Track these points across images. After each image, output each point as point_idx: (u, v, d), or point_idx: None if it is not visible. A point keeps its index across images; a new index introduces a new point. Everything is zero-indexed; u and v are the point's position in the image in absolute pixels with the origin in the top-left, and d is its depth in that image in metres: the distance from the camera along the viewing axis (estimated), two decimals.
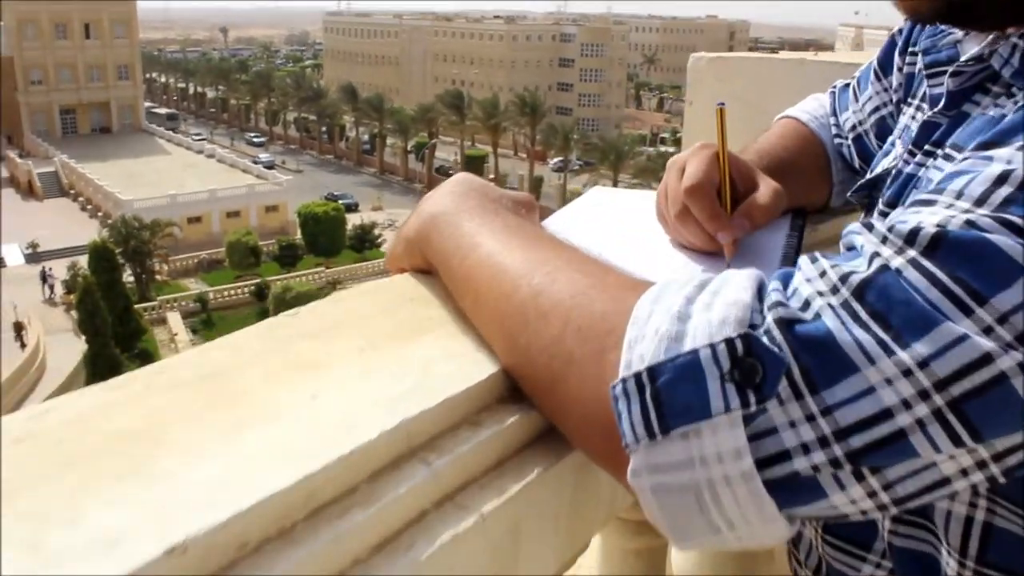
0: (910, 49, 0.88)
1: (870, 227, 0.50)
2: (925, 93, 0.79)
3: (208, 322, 27.03)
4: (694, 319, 0.48)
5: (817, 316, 0.46)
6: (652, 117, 66.86)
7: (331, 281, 29.23)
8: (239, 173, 41.47)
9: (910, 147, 0.73)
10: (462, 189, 0.73)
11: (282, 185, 38.98)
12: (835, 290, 0.47)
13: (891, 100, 0.95)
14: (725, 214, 0.78)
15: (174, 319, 26.74)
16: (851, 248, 0.51)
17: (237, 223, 35.31)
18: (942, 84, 0.72)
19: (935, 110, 0.70)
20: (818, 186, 1.03)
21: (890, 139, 0.88)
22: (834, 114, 1.05)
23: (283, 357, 0.56)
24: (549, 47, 66.89)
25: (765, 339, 0.46)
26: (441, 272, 0.69)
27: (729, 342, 0.46)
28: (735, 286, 0.50)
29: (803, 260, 0.51)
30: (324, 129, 55.20)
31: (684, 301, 0.49)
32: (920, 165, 0.70)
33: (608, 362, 0.50)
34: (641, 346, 0.49)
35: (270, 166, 45.53)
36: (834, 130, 1.04)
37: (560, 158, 44.50)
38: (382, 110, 49.68)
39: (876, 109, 0.98)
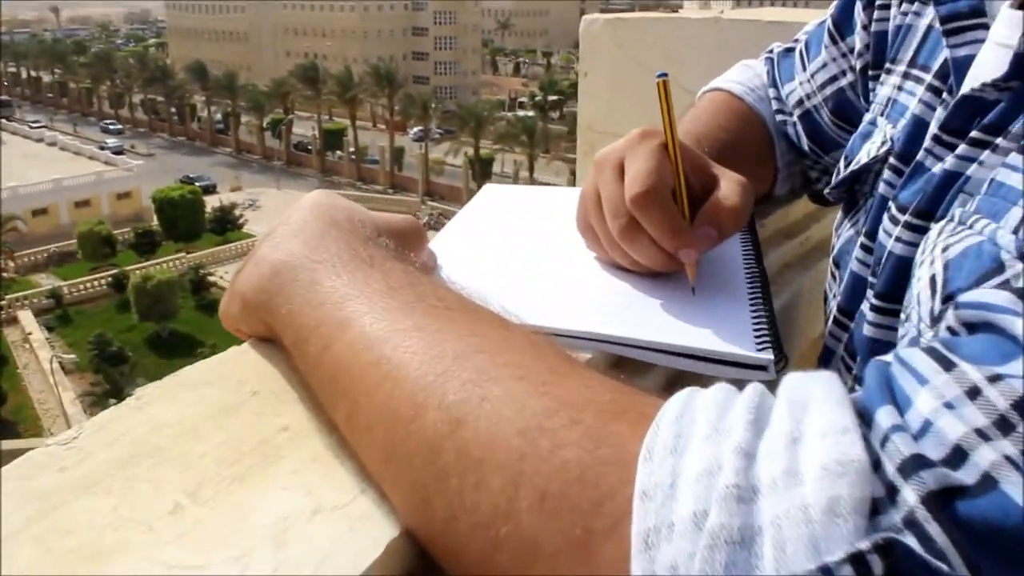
0: (879, 2, 0.70)
1: None
2: (934, 56, 0.61)
3: (65, 318, 25.50)
4: (768, 502, 0.28)
5: (989, 482, 0.26)
6: (509, 82, 66.78)
7: (193, 266, 27.74)
8: (85, 160, 38.87)
9: (937, 133, 0.55)
10: (319, 221, 0.50)
11: (133, 170, 36.73)
12: (1007, 426, 0.27)
13: (851, 67, 0.77)
14: (688, 225, 0.60)
15: (26, 317, 24.95)
16: (982, 326, 0.33)
17: (87, 213, 33.20)
18: (969, 45, 0.56)
19: (992, 80, 0.50)
20: (762, 173, 0.84)
21: (867, 117, 0.70)
22: (774, 85, 0.87)
23: (39, 544, 0.34)
24: (402, 16, 65.57)
25: (913, 541, 0.26)
26: (295, 359, 0.47)
27: (857, 560, 0.26)
28: (826, 423, 0.29)
29: (919, 357, 0.32)
30: (174, 110, 52.43)
31: (737, 456, 0.29)
32: (966, 159, 0.50)
33: (602, 563, 0.30)
34: (669, 550, 0.29)
35: (119, 151, 42.97)
36: (775, 104, 0.86)
37: (420, 127, 43.88)
38: (234, 88, 47.62)
39: (832, 79, 0.79)
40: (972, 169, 0.50)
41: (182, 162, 44.71)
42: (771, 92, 0.88)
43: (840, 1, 0.78)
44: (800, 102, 0.84)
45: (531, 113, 42.00)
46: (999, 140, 0.48)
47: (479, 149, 39.20)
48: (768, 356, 0.52)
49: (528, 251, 0.69)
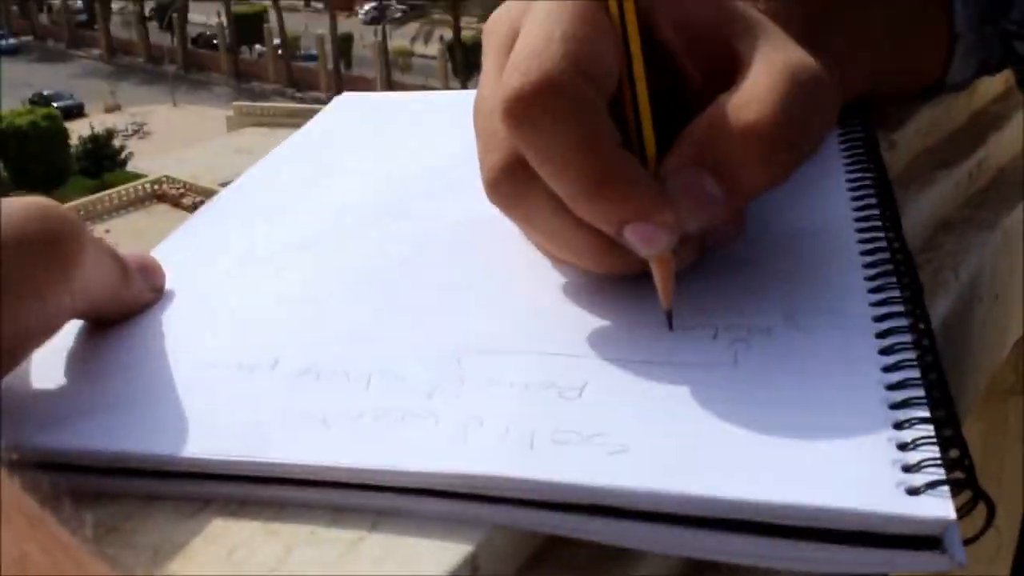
0: None
1: None
2: None
3: None
4: None
5: None
6: None
7: None
8: None
9: None
10: None
11: None
12: None
13: None
14: (641, 167, 0.38)
15: None
16: None
17: None
18: None
19: None
20: (921, 43, 0.61)
21: None
22: None
23: None
24: None
25: None
26: None
27: None
28: None
29: None
30: None
31: None
32: None
33: None
34: None
35: None
36: None
37: (374, 4, 41.73)
38: None
39: None
40: None
41: (31, 73, 41.92)
42: None
43: None
44: None
45: None
46: None
47: (460, 30, 38.35)
48: (943, 511, 0.28)
49: (379, 241, 0.49)
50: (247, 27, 42.59)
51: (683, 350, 0.37)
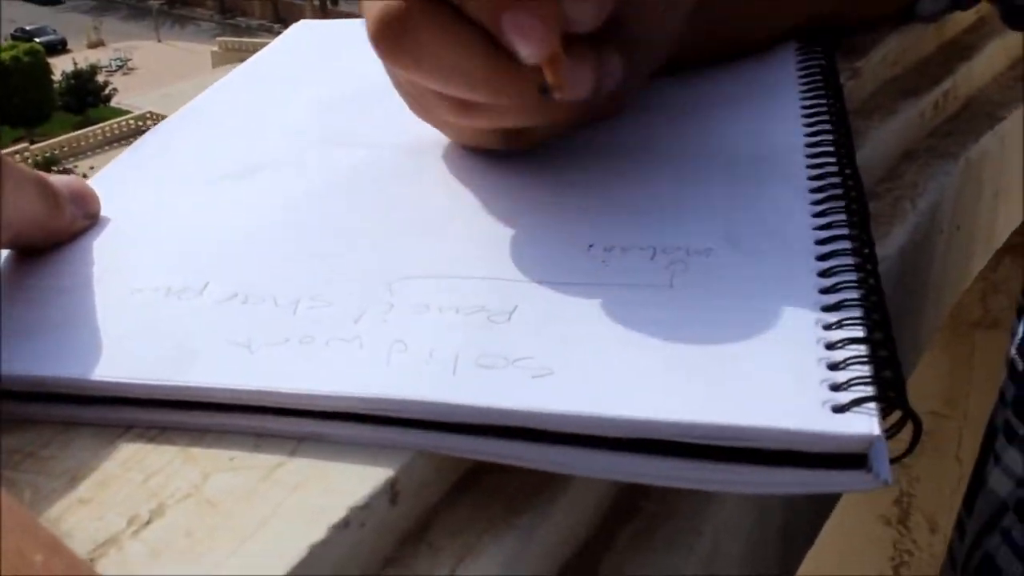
0: None
1: None
2: None
3: None
4: None
5: None
6: None
7: (42, 159, 25.85)
8: None
9: None
10: None
11: None
12: None
13: None
14: None
15: None
16: None
17: None
18: None
19: None
20: None
21: None
22: None
23: None
24: None
25: None
26: None
27: None
28: None
29: None
30: None
31: None
32: None
33: None
34: None
35: None
36: None
37: None
38: None
39: None
40: None
41: (12, 8, 41.35)
42: None
43: None
44: None
45: None
46: None
47: None
48: (868, 428, 0.27)
49: (319, 167, 0.48)
50: None
51: (620, 271, 0.36)
